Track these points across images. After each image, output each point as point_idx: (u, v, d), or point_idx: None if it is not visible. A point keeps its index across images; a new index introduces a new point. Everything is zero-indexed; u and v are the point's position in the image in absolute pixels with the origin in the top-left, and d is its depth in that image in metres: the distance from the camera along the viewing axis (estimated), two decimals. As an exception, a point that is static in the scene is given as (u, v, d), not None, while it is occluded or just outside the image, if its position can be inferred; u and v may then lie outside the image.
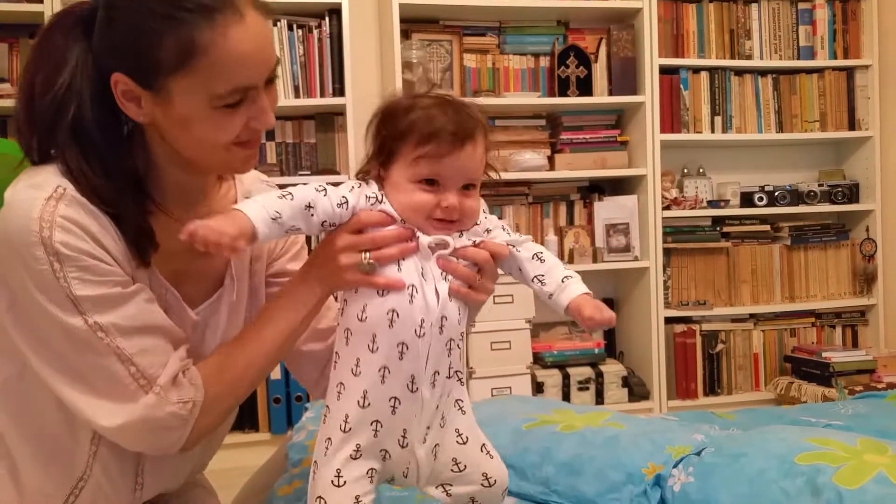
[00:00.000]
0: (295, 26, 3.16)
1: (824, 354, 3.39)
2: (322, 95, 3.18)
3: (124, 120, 1.07)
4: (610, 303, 3.67)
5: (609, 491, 1.42)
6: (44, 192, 0.99)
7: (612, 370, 3.39)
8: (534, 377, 3.29)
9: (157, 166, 1.10)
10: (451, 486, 1.09)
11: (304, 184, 1.06)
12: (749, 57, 3.61)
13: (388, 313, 1.01)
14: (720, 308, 3.58)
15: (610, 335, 3.65)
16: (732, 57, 3.60)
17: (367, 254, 1.03)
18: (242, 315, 1.24)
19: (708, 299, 3.57)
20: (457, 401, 1.10)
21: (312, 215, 1.02)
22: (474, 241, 1.08)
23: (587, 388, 3.34)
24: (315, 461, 1.04)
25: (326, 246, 1.07)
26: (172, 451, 1.09)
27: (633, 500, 1.40)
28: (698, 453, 1.43)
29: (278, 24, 3.12)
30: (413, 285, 1.02)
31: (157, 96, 1.01)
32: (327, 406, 1.06)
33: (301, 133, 3.27)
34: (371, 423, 1.02)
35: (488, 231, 1.10)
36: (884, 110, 3.65)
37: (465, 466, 1.09)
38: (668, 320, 3.49)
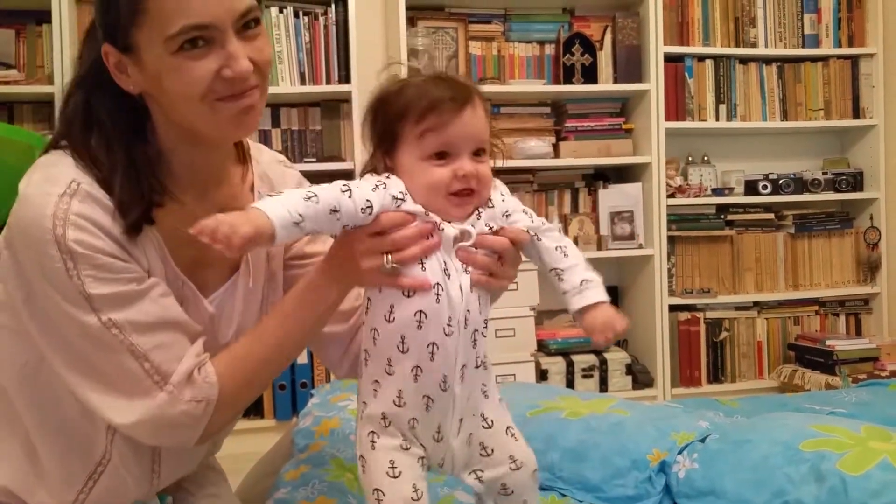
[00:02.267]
0: (301, 13, 3.15)
1: (828, 342, 3.40)
2: (328, 83, 3.17)
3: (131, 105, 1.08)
4: (614, 290, 3.68)
5: (614, 477, 1.43)
6: (57, 188, 0.98)
7: (616, 358, 3.40)
8: (538, 364, 3.30)
9: (166, 149, 1.09)
10: (482, 471, 1.07)
11: (332, 173, 1.04)
12: (754, 45, 3.60)
13: (415, 315, 0.99)
14: (724, 296, 3.58)
15: (614, 323, 3.65)
16: (737, 45, 3.58)
17: (389, 256, 0.99)
18: (259, 301, 1.23)
19: (712, 287, 3.57)
20: (482, 385, 1.07)
21: (338, 220, 0.98)
22: (491, 227, 1.04)
23: (591, 376, 3.35)
24: (361, 455, 1.04)
25: (345, 247, 1.03)
26: (188, 446, 1.09)
27: (637, 486, 1.41)
28: (703, 440, 1.44)
29: (284, 10, 3.11)
30: (438, 283, 1.00)
31: (132, 57, 1.02)
32: (364, 402, 1.05)
33: (306, 120, 3.27)
34: (409, 421, 1.02)
35: (507, 215, 1.06)
36: (888, 99, 3.64)
37: (493, 450, 1.07)
38: (673, 308, 3.49)
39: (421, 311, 0.99)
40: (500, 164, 1.09)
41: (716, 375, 3.60)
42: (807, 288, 3.69)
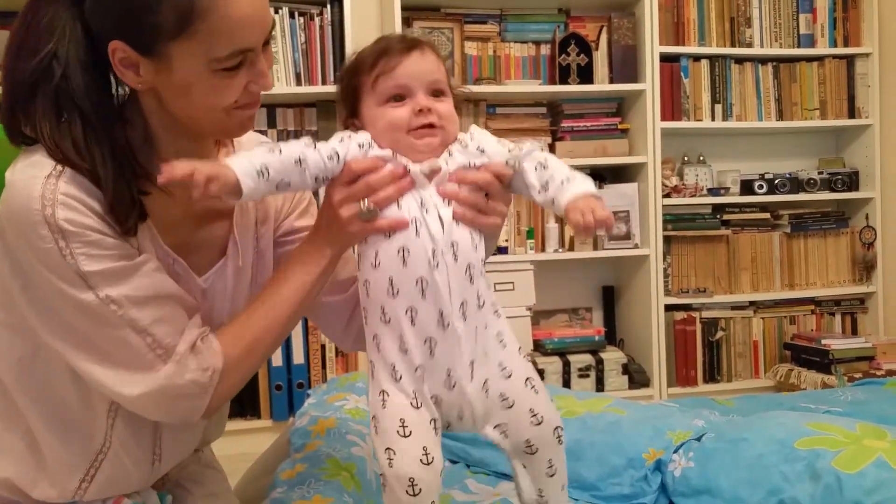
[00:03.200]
0: (297, 14, 3.15)
1: (824, 342, 3.40)
2: (323, 83, 3.17)
3: (116, 90, 1.07)
4: (610, 290, 3.68)
5: (610, 476, 1.44)
6: (43, 171, 0.98)
7: (613, 357, 3.40)
8: (534, 364, 3.29)
9: (154, 135, 1.09)
10: (506, 425, 1.06)
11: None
12: (749, 45, 3.60)
13: (398, 252, 1.01)
14: (720, 295, 3.59)
15: (610, 323, 3.66)
16: (733, 45, 3.59)
17: (366, 200, 1.03)
18: (248, 280, 1.24)
19: (708, 287, 3.58)
20: (497, 333, 1.07)
21: (305, 170, 1.02)
22: (471, 163, 1.05)
23: (587, 376, 3.36)
24: (374, 416, 1.04)
25: (326, 205, 1.08)
26: (194, 419, 1.10)
27: (633, 484, 1.42)
28: (699, 438, 1.45)
29: (279, 11, 3.11)
30: (416, 218, 1.02)
31: (156, 62, 1.00)
32: (371, 361, 1.06)
33: (302, 121, 3.27)
34: (415, 370, 1.01)
35: (482, 150, 1.07)
36: (884, 98, 3.65)
37: (514, 402, 1.06)
38: (668, 308, 3.49)
39: (403, 248, 1.01)
40: (461, 89, 1.13)
41: (712, 375, 3.60)
42: (803, 287, 3.70)
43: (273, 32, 1.08)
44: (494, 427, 1.07)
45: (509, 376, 1.07)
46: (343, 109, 1.10)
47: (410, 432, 1.00)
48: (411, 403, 1.02)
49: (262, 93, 1.09)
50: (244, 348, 1.11)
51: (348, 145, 1.05)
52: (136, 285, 1.02)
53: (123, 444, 1.13)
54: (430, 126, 1.04)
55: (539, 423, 1.06)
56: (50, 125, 1.00)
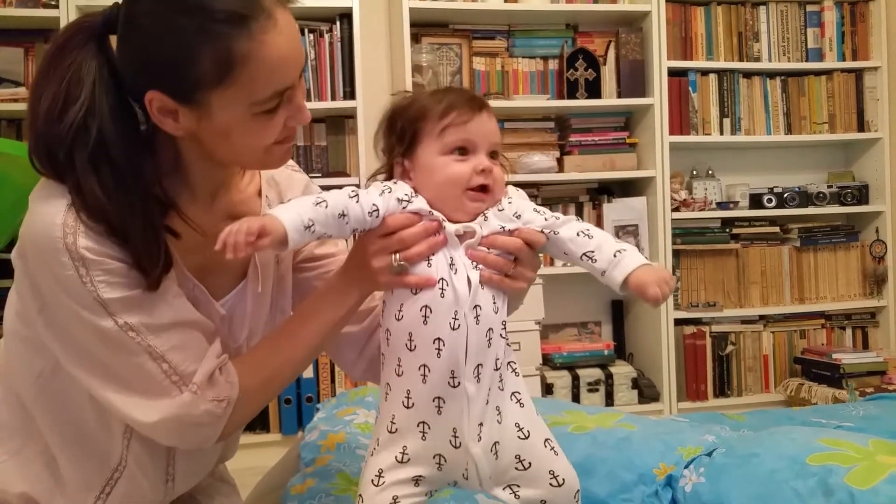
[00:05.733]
0: (306, 30, 3.18)
1: (834, 356, 3.39)
2: (333, 99, 3.19)
3: (143, 123, 1.06)
4: (619, 304, 3.68)
5: (620, 491, 1.43)
6: (66, 199, 0.99)
7: (622, 372, 3.40)
8: (543, 378, 3.30)
9: (185, 164, 1.10)
10: (518, 486, 1.04)
11: (338, 188, 1.04)
12: (757, 59, 3.62)
13: (421, 310, 1.00)
14: (730, 310, 3.58)
15: (619, 337, 3.66)
16: (741, 59, 3.60)
17: (397, 255, 1.03)
18: (268, 304, 1.24)
19: (717, 301, 3.57)
20: (513, 393, 1.06)
21: (346, 223, 1.02)
22: (504, 228, 1.05)
23: (597, 390, 3.35)
24: (366, 460, 1.05)
25: (359, 251, 1.07)
26: (207, 446, 1.10)
27: (644, 500, 1.41)
28: (709, 454, 1.44)
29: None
30: (443, 279, 1.01)
31: (196, 110, 1.00)
32: (379, 407, 1.07)
33: (312, 136, 3.29)
34: (418, 425, 1.01)
35: (518, 216, 1.06)
36: (893, 111, 3.65)
37: (530, 464, 1.04)
38: (678, 322, 3.49)
39: (426, 307, 1.00)
40: (506, 177, 1.11)
41: (722, 389, 3.59)
42: (813, 301, 3.69)
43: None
44: (505, 488, 1.05)
45: (527, 437, 1.05)
46: (390, 145, 1.09)
47: (384, 482, 1.01)
48: (396, 458, 1.02)
49: None
50: (261, 380, 1.11)
51: (388, 200, 1.04)
52: (154, 312, 1.03)
53: (139, 464, 1.13)
54: (485, 189, 1.04)
55: (559, 486, 1.04)
56: (90, 181, 0.98)
